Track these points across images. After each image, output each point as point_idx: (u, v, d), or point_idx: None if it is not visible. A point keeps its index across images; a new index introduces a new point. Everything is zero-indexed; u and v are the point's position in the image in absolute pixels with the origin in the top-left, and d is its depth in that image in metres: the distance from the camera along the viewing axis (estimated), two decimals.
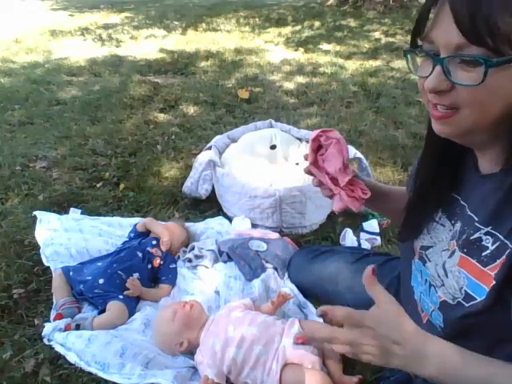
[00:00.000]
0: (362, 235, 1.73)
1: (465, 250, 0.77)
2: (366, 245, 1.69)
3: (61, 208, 1.88)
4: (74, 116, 2.91)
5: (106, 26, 6.08)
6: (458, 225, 0.80)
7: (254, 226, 1.75)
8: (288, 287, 1.43)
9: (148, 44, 5.02)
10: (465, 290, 0.76)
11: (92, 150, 2.43)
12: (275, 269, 1.47)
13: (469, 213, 0.78)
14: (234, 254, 1.51)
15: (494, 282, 0.70)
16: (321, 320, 1.29)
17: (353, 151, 1.92)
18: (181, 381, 1.11)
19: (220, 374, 1.10)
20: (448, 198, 0.82)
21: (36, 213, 1.70)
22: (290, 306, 1.35)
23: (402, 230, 0.94)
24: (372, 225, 1.76)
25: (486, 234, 0.72)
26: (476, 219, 0.75)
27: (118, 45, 5.02)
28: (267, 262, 1.48)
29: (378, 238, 1.72)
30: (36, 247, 1.57)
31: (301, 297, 1.39)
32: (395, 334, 0.67)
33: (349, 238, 1.71)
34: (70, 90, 3.45)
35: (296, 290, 1.41)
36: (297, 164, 1.95)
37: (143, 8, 7.87)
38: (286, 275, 1.47)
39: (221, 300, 1.40)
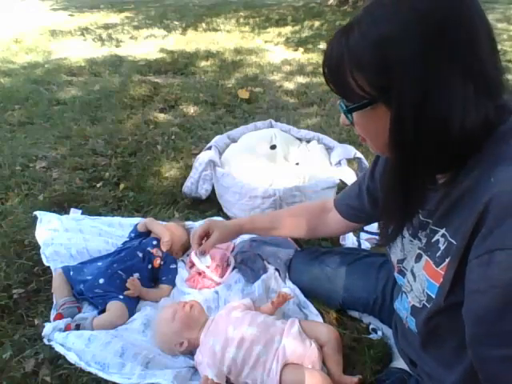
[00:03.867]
0: (362, 235, 1.73)
1: (428, 253, 0.80)
2: (365, 245, 1.69)
3: (61, 208, 1.87)
4: (74, 116, 2.91)
5: (106, 26, 6.08)
6: (421, 233, 0.84)
7: None
8: (288, 287, 1.43)
9: (148, 44, 5.02)
10: (426, 292, 0.80)
11: (92, 149, 2.43)
12: (277, 270, 1.46)
13: (421, 218, 0.82)
14: (235, 262, 1.51)
15: (441, 280, 0.74)
16: (320, 320, 1.30)
17: (353, 151, 1.92)
18: (181, 381, 1.11)
19: (220, 374, 1.10)
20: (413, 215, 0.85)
21: (36, 213, 1.70)
22: (290, 306, 1.35)
23: (380, 237, 0.99)
24: (372, 225, 1.76)
25: (442, 235, 0.75)
26: (430, 222, 0.79)
27: (118, 45, 5.02)
28: (269, 263, 1.48)
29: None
30: (36, 247, 1.57)
31: (301, 297, 1.39)
32: None
33: (349, 238, 1.71)
34: (70, 90, 3.45)
35: (297, 290, 1.41)
36: (297, 164, 1.95)
37: (143, 8, 7.87)
38: (287, 276, 1.47)
39: (220, 300, 1.40)
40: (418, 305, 0.84)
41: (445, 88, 0.62)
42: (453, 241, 0.71)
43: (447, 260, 0.73)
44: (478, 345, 0.66)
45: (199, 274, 1.49)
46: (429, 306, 0.80)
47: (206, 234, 1.36)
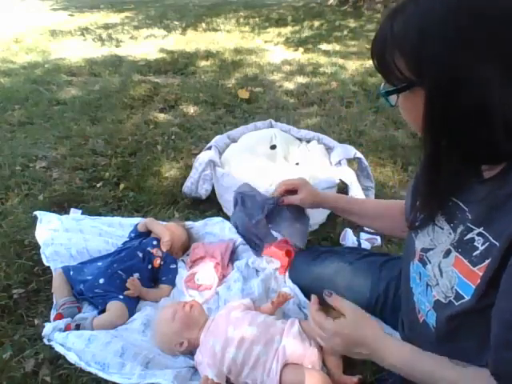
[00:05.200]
0: (362, 235, 1.73)
1: (459, 250, 0.79)
2: (366, 245, 1.69)
3: (61, 208, 1.88)
4: (74, 116, 2.91)
5: (106, 26, 6.09)
6: (459, 228, 0.81)
7: None
8: (288, 287, 1.43)
9: (148, 44, 5.02)
10: (455, 289, 0.79)
11: (92, 149, 2.43)
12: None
13: (467, 215, 0.79)
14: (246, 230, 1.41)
15: (479, 281, 0.72)
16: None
17: (353, 151, 1.92)
18: (181, 381, 1.11)
19: (220, 374, 1.10)
20: (447, 202, 0.83)
21: (36, 213, 1.70)
22: (290, 306, 1.35)
23: (410, 221, 0.95)
24: None
25: (478, 234, 0.74)
26: (470, 220, 0.77)
27: (118, 45, 5.02)
28: (278, 231, 1.40)
29: (378, 238, 1.72)
30: (36, 247, 1.57)
31: (301, 297, 1.39)
32: (359, 337, 0.87)
33: (349, 238, 1.71)
34: (70, 90, 3.46)
35: (297, 290, 1.40)
36: (297, 164, 1.95)
37: (143, 8, 7.87)
38: (287, 275, 1.47)
39: (220, 300, 1.40)
40: (443, 300, 0.83)
41: (479, 77, 0.63)
42: (496, 242, 0.70)
43: (487, 261, 0.71)
44: (503, 347, 0.67)
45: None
46: (457, 303, 0.78)
47: (292, 189, 1.35)
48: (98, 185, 2.10)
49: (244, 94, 3.31)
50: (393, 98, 0.75)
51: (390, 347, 0.84)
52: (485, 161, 0.73)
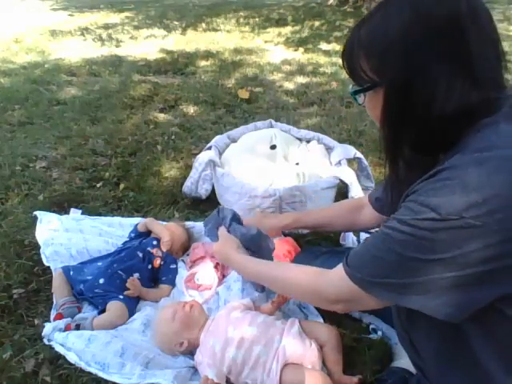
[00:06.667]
0: (362, 235, 1.73)
1: None
2: None
3: (61, 208, 1.87)
4: (74, 116, 2.91)
5: (106, 26, 6.08)
6: None
7: None
8: None
9: (148, 44, 5.02)
10: None
11: (92, 149, 2.43)
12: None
13: None
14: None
15: None
16: (320, 320, 1.30)
17: (353, 151, 1.92)
18: (181, 381, 1.11)
19: (220, 375, 1.10)
20: None
21: (36, 213, 1.70)
22: (290, 306, 1.35)
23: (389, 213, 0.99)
24: None
25: None
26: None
27: (118, 45, 5.02)
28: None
29: None
30: (36, 247, 1.57)
31: None
32: (222, 251, 1.21)
33: (349, 238, 1.71)
34: (70, 90, 3.45)
35: None
36: (297, 164, 1.95)
37: (143, 8, 7.86)
38: None
39: (220, 300, 1.40)
40: None
41: (429, 77, 0.70)
42: None
43: None
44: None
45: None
46: None
47: None
48: (98, 185, 2.10)
49: (244, 94, 3.31)
50: (360, 98, 0.83)
51: (236, 257, 1.15)
52: (432, 152, 0.79)
